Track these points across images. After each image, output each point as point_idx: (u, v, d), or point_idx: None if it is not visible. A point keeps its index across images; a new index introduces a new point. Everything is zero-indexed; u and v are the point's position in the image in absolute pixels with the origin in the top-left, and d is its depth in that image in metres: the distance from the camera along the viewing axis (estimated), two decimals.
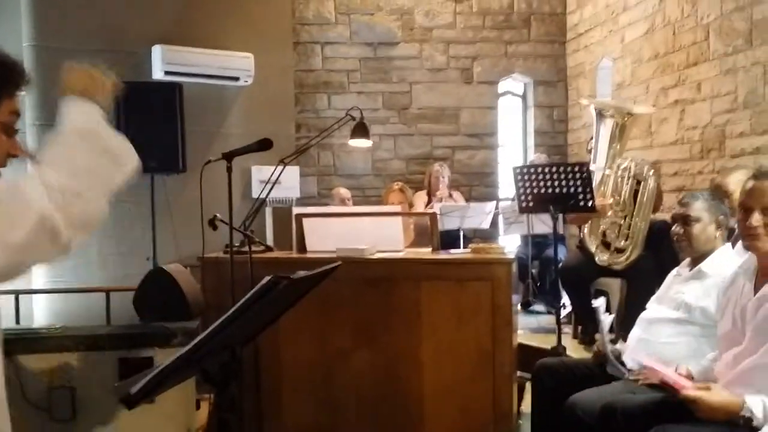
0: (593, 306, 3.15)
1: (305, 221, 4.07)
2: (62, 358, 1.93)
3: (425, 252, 4.08)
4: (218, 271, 3.64)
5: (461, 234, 5.95)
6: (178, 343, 2.29)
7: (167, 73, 5.74)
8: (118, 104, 5.79)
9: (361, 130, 4.77)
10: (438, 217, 4.62)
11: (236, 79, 6.08)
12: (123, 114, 5.44)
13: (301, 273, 1.51)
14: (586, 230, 4.78)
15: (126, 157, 1.58)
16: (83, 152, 1.49)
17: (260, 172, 5.94)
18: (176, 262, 4.43)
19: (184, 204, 5.50)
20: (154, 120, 5.46)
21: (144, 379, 1.35)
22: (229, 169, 3.35)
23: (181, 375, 1.52)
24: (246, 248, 3.55)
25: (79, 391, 2.27)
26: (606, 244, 4.66)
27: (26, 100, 5.51)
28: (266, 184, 4.13)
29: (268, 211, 5.97)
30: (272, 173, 4.17)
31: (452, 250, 4.25)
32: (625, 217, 4.60)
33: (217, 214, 3.42)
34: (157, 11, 5.89)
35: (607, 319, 3.10)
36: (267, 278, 1.33)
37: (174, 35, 5.89)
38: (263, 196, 4.15)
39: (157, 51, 5.75)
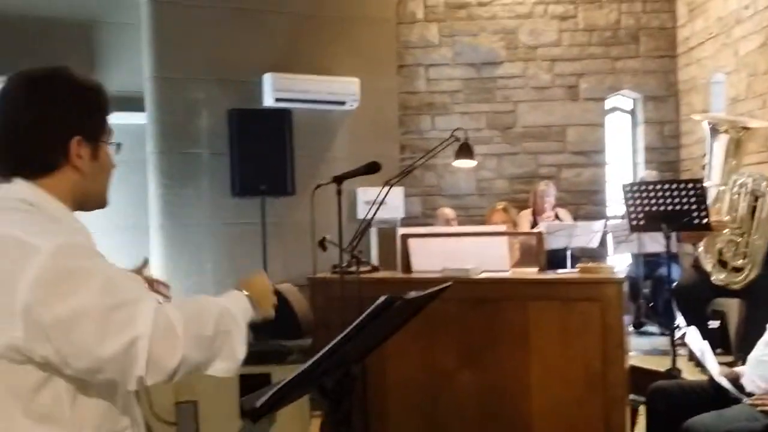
0: (684, 341, 3.05)
1: (411, 241, 4.12)
2: (186, 374, 2.03)
3: (531, 272, 4.05)
4: (327, 290, 3.74)
5: (568, 254, 5.86)
6: (293, 361, 2.38)
7: (277, 99, 5.96)
8: (231, 130, 6.05)
9: (465, 150, 4.79)
10: (544, 236, 4.58)
11: (342, 103, 6.24)
12: (236, 140, 5.70)
13: (413, 293, 1.56)
14: (701, 248, 4.62)
15: (233, 358, 1.55)
16: (211, 324, 1.50)
17: (365, 194, 6.05)
18: (287, 283, 4.58)
19: (293, 225, 5.67)
20: (265, 145, 5.68)
21: (268, 394, 1.42)
22: (339, 192, 3.45)
23: (301, 390, 1.59)
24: (353, 268, 3.62)
25: (202, 405, 2.39)
26: (723, 263, 4.49)
27: (148, 128, 5.84)
28: (372, 205, 4.21)
29: (374, 232, 6.08)
30: (377, 194, 4.25)
31: (559, 270, 4.20)
32: (742, 235, 4.42)
33: (327, 236, 3.52)
34: (268, 41, 6.14)
35: (705, 347, 2.99)
36: (382, 298, 1.38)
37: (283, 63, 6.12)
38: (369, 217, 4.23)
39: (267, 79, 5.99)
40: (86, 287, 1.37)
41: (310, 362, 1.42)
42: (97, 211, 1.66)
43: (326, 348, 1.42)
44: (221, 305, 1.57)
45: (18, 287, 1.35)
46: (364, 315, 1.39)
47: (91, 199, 1.61)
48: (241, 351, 1.54)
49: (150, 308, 1.40)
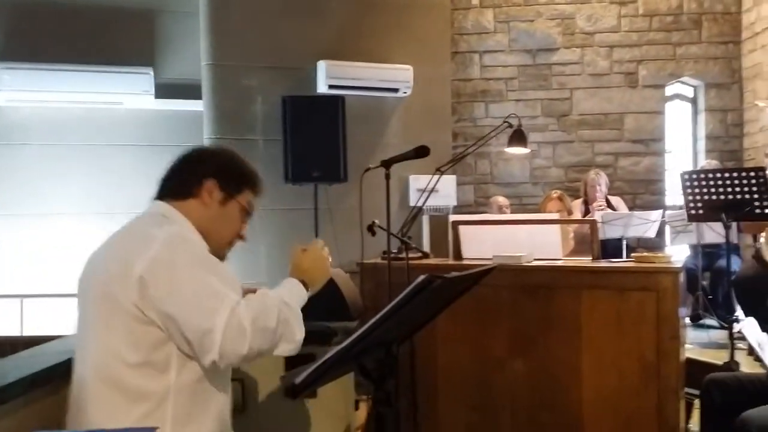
0: (739, 332, 2.95)
1: (461, 228, 4.09)
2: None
3: (585, 260, 3.98)
4: (376, 276, 3.74)
5: (624, 243, 5.74)
6: (338, 342, 2.38)
7: (331, 86, 5.99)
8: (285, 117, 6.12)
9: (518, 137, 4.73)
10: (599, 225, 4.49)
11: (396, 90, 6.23)
12: (289, 126, 5.75)
13: (455, 273, 1.54)
14: (762, 239, 4.46)
15: (293, 341, 1.86)
16: (273, 317, 1.80)
17: (417, 181, 6.04)
18: (337, 267, 4.61)
19: (345, 212, 5.70)
20: (318, 132, 5.72)
21: (306, 371, 1.43)
22: (387, 176, 3.44)
23: (340, 369, 1.59)
24: (403, 254, 3.62)
25: (247, 384, 2.42)
26: None
27: (204, 115, 5.94)
28: (423, 192, 4.20)
29: (425, 219, 6.07)
30: (429, 182, 4.23)
31: (614, 259, 4.11)
32: None
33: (376, 221, 3.52)
34: (322, 29, 6.17)
35: (763, 339, 2.89)
36: (422, 276, 1.37)
37: (337, 50, 6.14)
38: (420, 204, 4.22)
39: (321, 66, 6.02)
40: (188, 269, 1.75)
41: (348, 340, 1.42)
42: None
43: (365, 326, 1.42)
44: (280, 298, 1.87)
45: (136, 262, 1.74)
46: (403, 293, 1.39)
47: (210, 239, 1.95)
48: (299, 334, 1.87)
49: (229, 307, 1.73)
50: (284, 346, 1.83)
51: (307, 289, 2.00)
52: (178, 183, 1.97)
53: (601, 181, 6.41)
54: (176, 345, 1.78)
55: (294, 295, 1.94)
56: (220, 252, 1.99)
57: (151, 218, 1.91)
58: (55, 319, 5.51)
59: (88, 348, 1.85)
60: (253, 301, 1.80)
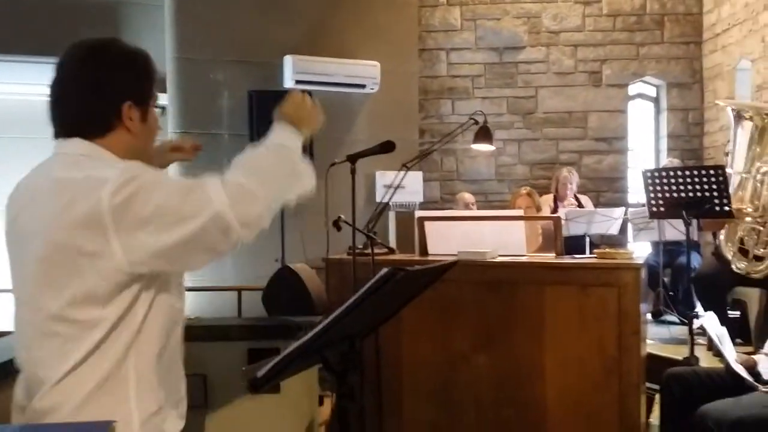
0: (700, 326, 3.01)
1: (427, 224, 4.10)
2: (195, 347, 2.05)
3: (548, 256, 4.02)
4: (342, 271, 3.74)
5: (588, 240, 5.81)
6: (302, 336, 2.38)
7: (298, 82, 5.96)
8: (251, 112, 6.06)
9: (483, 133, 4.75)
10: (563, 222, 4.54)
11: (363, 86, 6.23)
12: (256, 121, 5.71)
13: (418, 267, 1.55)
14: (722, 237, 4.55)
15: (306, 177, 1.75)
16: (270, 161, 1.68)
17: (384, 177, 6.04)
18: (302, 263, 4.59)
19: (312, 207, 5.62)
20: None
21: (269, 364, 1.42)
22: (353, 171, 3.44)
23: (303, 362, 1.58)
24: (369, 250, 3.62)
25: (210, 379, 2.41)
26: (744, 252, 4.42)
27: (170, 109, 5.87)
28: (389, 188, 4.20)
29: (392, 215, 6.07)
30: (395, 178, 4.23)
31: (577, 256, 4.16)
32: (765, 224, 4.34)
33: (341, 216, 3.52)
34: (289, 23, 6.14)
35: (722, 332, 2.95)
36: (385, 269, 1.37)
37: (304, 45, 6.12)
38: (386, 200, 4.22)
39: (288, 61, 5.99)
40: (158, 191, 1.54)
41: (311, 333, 1.42)
42: None
43: (328, 319, 1.41)
44: (273, 143, 1.74)
45: (103, 214, 1.51)
46: (367, 285, 1.39)
47: (141, 158, 1.71)
48: (307, 169, 1.75)
49: (217, 183, 1.58)
50: (298, 186, 1.71)
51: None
52: (91, 119, 1.68)
53: (573, 180, 6.51)
54: (182, 264, 1.63)
55: (284, 136, 1.77)
56: (148, 160, 1.78)
57: (75, 163, 1.62)
58: None
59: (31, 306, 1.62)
60: (240, 159, 1.67)
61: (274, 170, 1.68)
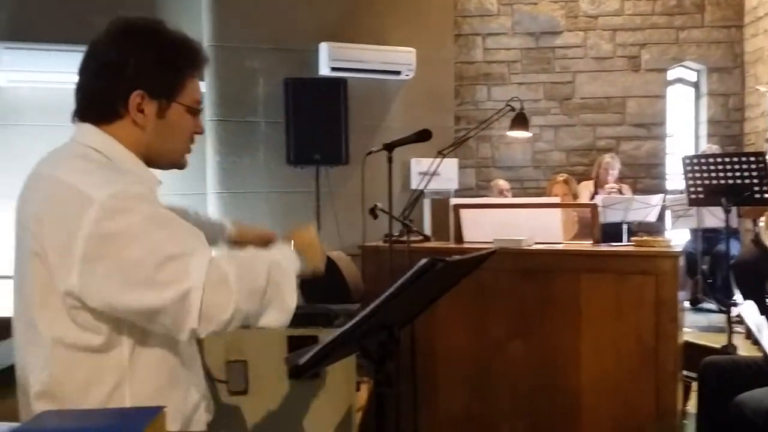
0: (738, 315, 2.97)
1: (463, 212, 4.11)
2: (236, 334, 2.08)
3: (585, 244, 4.00)
4: (378, 259, 3.77)
5: (625, 227, 5.77)
6: (340, 324, 2.42)
7: (333, 69, 5.98)
8: (287, 99, 6.08)
9: (520, 120, 4.73)
10: (600, 209, 4.50)
11: (398, 73, 6.22)
12: (291, 109, 5.75)
13: (457, 257, 1.56)
14: (762, 224, 4.49)
15: (285, 309, 1.56)
16: (262, 276, 1.51)
17: (419, 165, 6.05)
18: (339, 250, 4.63)
19: (347, 195, 5.71)
20: (319, 114, 5.72)
21: (310, 353, 1.46)
22: (390, 160, 3.46)
23: (343, 350, 1.61)
24: (404, 238, 3.64)
25: (251, 365, 2.46)
26: None
27: (206, 97, 5.94)
28: (425, 175, 4.21)
29: (427, 203, 6.08)
30: (430, 165, 4.24)
31: (614, 243, 4.13)
32: None
33: (378, 204, 3.54)
34: (324, 10, 6.15)
35: (761, 321, 2.92)
36: (424, 260, 1.39)
37: (339, 32, 6.13)
38: (421, 187, 4.23)
39: (323, 48, 6.01)
40: (139, 240, 1.38)
41: (352, 322, 1.44)
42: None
43: (368, 308, 1.44)
44: (271, 258, 1.56)
45: (77, 237, 1.37)
46: (405, 276, 1.41)
47: (161, 158, 1.60)
48: (291, 301, 1.56)
49: (204, 261, 1.41)
50: (273, 314, 1.52)
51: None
52: (99, 99, 1.53)
53: (615, 165, 6.47)
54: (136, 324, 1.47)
55: (287, 259, 1.60)
56: (177, 163, 1.65)
57: (81, 153, 1.52)
58: None
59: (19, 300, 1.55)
60: (237, 255, 1.54)
61: (261, 287, 1.50)
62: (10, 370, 1.62)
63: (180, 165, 1.66)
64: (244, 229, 2.10)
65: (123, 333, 1.49)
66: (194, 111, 1.62)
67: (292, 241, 1.72)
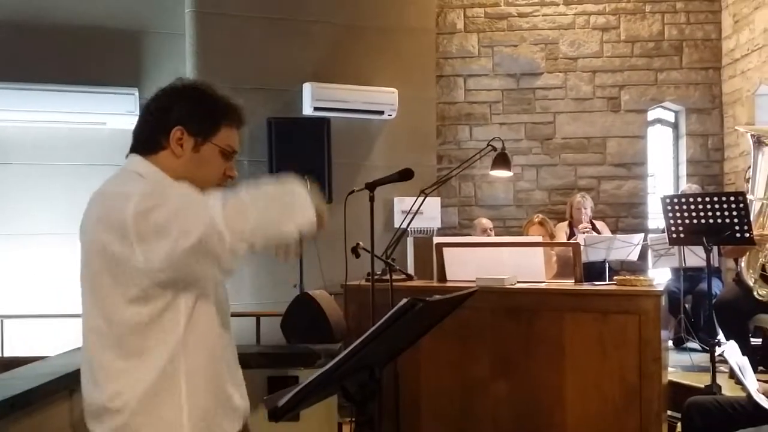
0: (721, 356, 2.98)
1: (446, 251, 4.11)
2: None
3: (568, 283, 4.01)
4: (360, 297, 3.75)
5: (607, 266, 5.78)
6: (321, 364, 2.38)
7: (316, 108, 6.02)
8: (270, 139, 6.10)
9: (502, 160, 4.76)
10: (582, 248, 4.52)
11: (381, 113, 6.27)
12: (275, 148, 5.76)
13: (437, 296, 1.55)
14: (743, 263, 4.51)
15: (306, 208, 1.75)
16: (272, 190, 1.74)
17: (402, 203, 6.06)
18: (321, 289, 4.60)
19: (330, 233, 5.63)
20: (303, 154, 5.74)
21: (289, 394, 1.43)
22: (372, 198, 3.46)
23: (323, 391, 1.59)
24: (387, 276, 3.62)
25: None
26: (765, 278, 4.39)
27: None
28: (408, 214, 4.21)
29: (410, 241, 6.08)
30: (413, 203, 4.25)
31: (597, 283, 4.14)
32: None
33: (360, 243, 3.53)
34: (307, 51, 6.21)
35: (744, 362, 2.92)
36: (404, 300, 1.38)
37: (323, 72, 6.18)
38: (404, 226, 4.23)
39: (307, 88, 6.05)
40: (170, 205, 1.67)
41: (331, 363, 1.42)
42: None
43: (348, 349, 1.42)
44: (280, 181, 1.78)
45: (127, 221, 1.66)
46: (386, 317, 1.39)
47: (193, 184, 1.85)
48: (309, 206, 1.75)
49: (217, 196, 1.73)
50: (298, 217, 1.73)
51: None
52: (147, 135, 1.87)
53: (587, 204, 6.48)
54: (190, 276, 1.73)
55: (294, 181, 1.80)
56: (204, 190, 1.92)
57: (126, 176, 1.84)
58: (38, 339, 5.45)
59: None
60: (246, 186, 1.75)
61: (274, 198, 1.74)
62: None
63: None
64: None
65: (180, 298, 1.75)
66: (226, 153, 1.90)
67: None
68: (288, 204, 1.74)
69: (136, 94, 5.95)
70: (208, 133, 1.86)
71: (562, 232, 6.41)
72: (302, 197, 1.76)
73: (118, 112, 5.83)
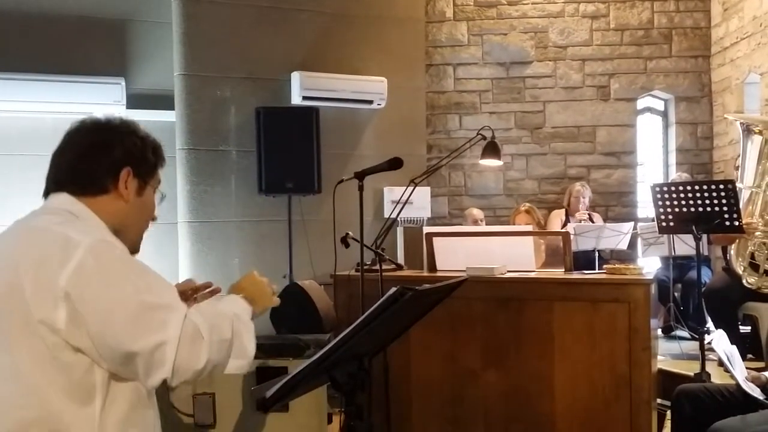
0: (710, 344, 2.98)
1: (435, 240, 4.10)
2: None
3: (558, 272, 4.00)
4: (350, 288, 3.73)
5: (597, 255, 5.79)
6: (311, 354, 2.37)
7: (305, 98, 5.98)
8: (258, 128, 6.08)
9: (491, 149, 4.74)
10: (572, 237, 4.51)
11: (370, 102, 6.24)
12: (263, 138, 5.73)
13: (427, 285, 1.54)
14: (732, 251, 4.52)
15: (246, 356, 1.65)
16: (227, 328, 1.62)
17: (392, 193, 6.05)
18: (311, 280, 4.59)
19: (319, 223, 5.68)
20: (291, 143, 5.71)
21: (277, 384, 1.42)
22: (361, 188, 3.44)
23: (311, 382, 1.57)
24: (377, 266, 3.61)
25: (219, 398, 2.40)
26: (754, 266, 4.39)
27: (177, 125, 5.90)
28: (397, 204, 4.19)
29: (400, 231, 6.07)
30: (403, 193, 4.23)
31: (586, 271, 4.14)
32: None
33: (349, 232, 3.51)
34: (296, 40, 6.16)
35: (732, 351, 2.92)
36: (393, 289, 1.36)
37: (312, 62, 6.14)
38: (394, 215, 4.21)
39: (296, 77, 6.01)
40: (124, 282, 1.51)
41: (319, 354, 1.41)
42: None
43: (336, 339, 1.40)
44: (231, 310, 1.69)
45: (60, 276, 1.48)
46: (375, 306, 1.38)
47: (129, 232, 1.73)
48: (251, 349, 1.66)
49: (180, 316, 1.54)
50: (236, 362, 1.62)
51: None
52: (87, 176, 1.68)
53: (586, 194, 6.51)
54: (109, 369, 1.55)
55: (243, 310, 1.73)
56: (136, 244, 1.78)
57: (58, 216, 1.64)
58: None
59: None
60: (204, 310, 1.63)
61: (228, 342, 1.62)
62: None
63: (136, 247, 1.78)
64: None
65: (96, 381, 1.56)
66: (162, 197, 1.83)
67: (235, 284, 1.83)
68: (236, 346, 1.63)
69: (123, 83, 5.90)
70: (151, 174, 1.77)
71: (557, 219, 6.42)
72: (247, 343, 1.66)
73: (104, 102, 5.77)
